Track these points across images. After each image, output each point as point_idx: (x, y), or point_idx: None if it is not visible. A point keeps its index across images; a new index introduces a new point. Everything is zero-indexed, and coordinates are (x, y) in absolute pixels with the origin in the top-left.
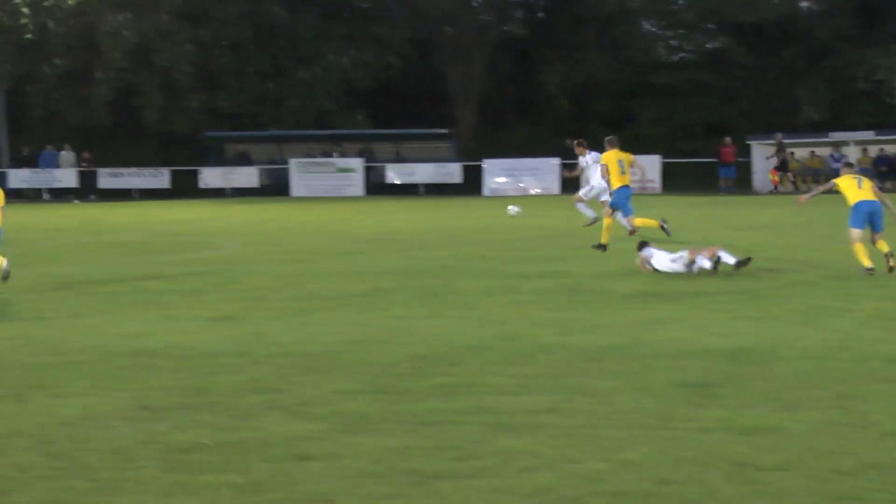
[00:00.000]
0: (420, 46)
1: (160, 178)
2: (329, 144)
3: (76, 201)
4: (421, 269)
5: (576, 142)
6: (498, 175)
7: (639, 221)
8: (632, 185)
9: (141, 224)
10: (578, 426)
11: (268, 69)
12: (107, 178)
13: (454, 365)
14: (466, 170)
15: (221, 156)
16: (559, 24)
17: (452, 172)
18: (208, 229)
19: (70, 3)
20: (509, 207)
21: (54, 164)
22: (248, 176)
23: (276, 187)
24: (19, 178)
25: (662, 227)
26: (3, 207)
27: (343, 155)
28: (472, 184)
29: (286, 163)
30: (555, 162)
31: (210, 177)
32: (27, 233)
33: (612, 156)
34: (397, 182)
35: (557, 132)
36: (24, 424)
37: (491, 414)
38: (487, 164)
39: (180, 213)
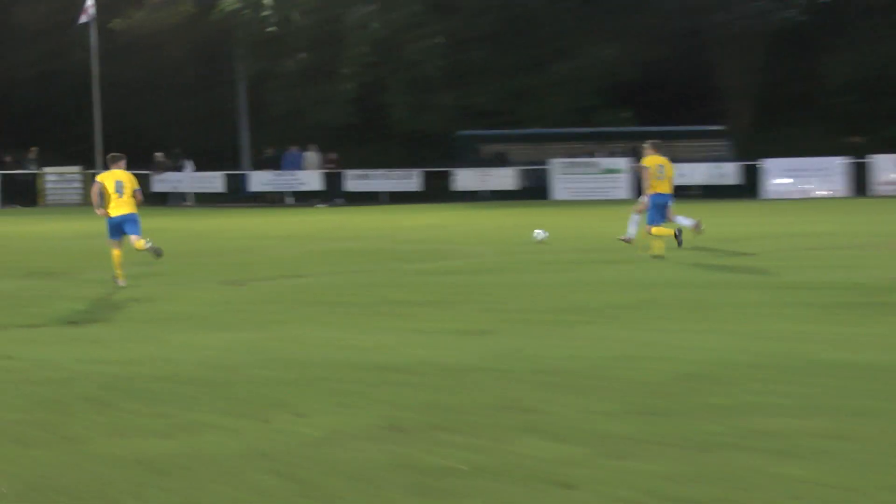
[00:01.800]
0: (689, 36)
1: (410, 180)
2: (592, 143)
3: (321, 205)
4: (693, 279)
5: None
6: (779, 176)
7: (656, 230)
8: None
9: (389, 230)
10: (868, 453)
11: (525, 63)
12: (354, 181)
13: (728, 384)
14: (743, 170)
15: (476, 156)
16: (847, 10)
17: (728, 173)
18: (461, 235)
19: None
20: (535, 232)
21: (298, 165)
22: (504, 178)
23: (534, 190)
24: (261, 180)
25: (676, 237)
26: (137, 190)
27: (608, 155)
28: (749, 185)
29: (546, 163)
30: (840, 162)
31: (464, 179)
32: (267, 239)
33: (654, 160)
34: None
35: (843, 129)
36: (264, 445)
37: (769, 438)
38: (768, 164)
39: (431, 217)
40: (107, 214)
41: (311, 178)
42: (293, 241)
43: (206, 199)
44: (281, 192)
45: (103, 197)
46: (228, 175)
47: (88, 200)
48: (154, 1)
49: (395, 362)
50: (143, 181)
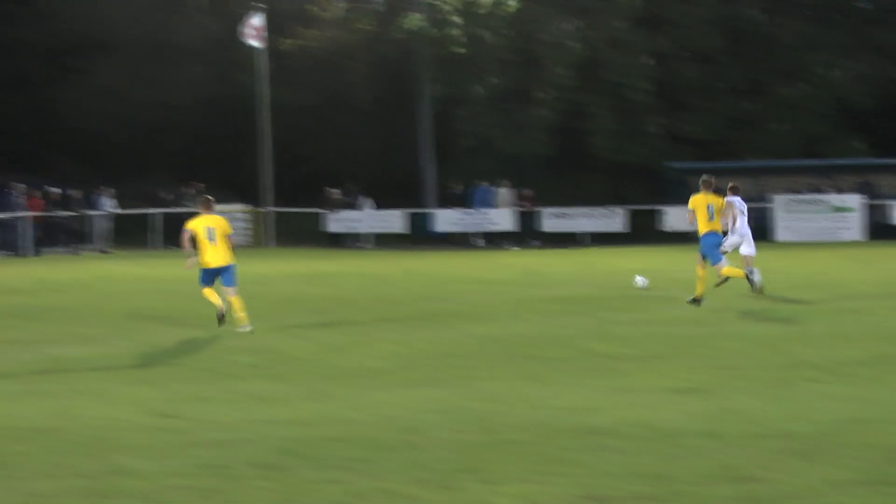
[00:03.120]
0: None
1: (613, 219)
2: (819, 177)
3: (514, 248)
4: None
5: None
6: None
7: (726, 270)
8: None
9: (590, 275)
10: None
11: (743, 85)
12: (550, 220)
13: None
14: None
15: (687, 191)
16: None
17: None
18: (672, 281)
19: (510, 9)
20: (636, 278)
21: (489, 203)
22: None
23: (754, 230)
24: (447, 219)
25: (748, 278)
26: (230, 235)
27: (837, 190)
28: None
29: (766, 199)
30: None
31: (674, 217)
32: (456, 284)
33: (701, 200)
34: None
35: None
36: None
37: None
38: None
39: (637, 261)
40: (200, 263)
41: (503, 218)
42: (483, 288)
43: (385, 241)
44: (469, 233)
45: (195, 244)
46: (410, 213)
47: (257, 242)
48: (328, 18)
49: (598, 424)
50: (315, 220)
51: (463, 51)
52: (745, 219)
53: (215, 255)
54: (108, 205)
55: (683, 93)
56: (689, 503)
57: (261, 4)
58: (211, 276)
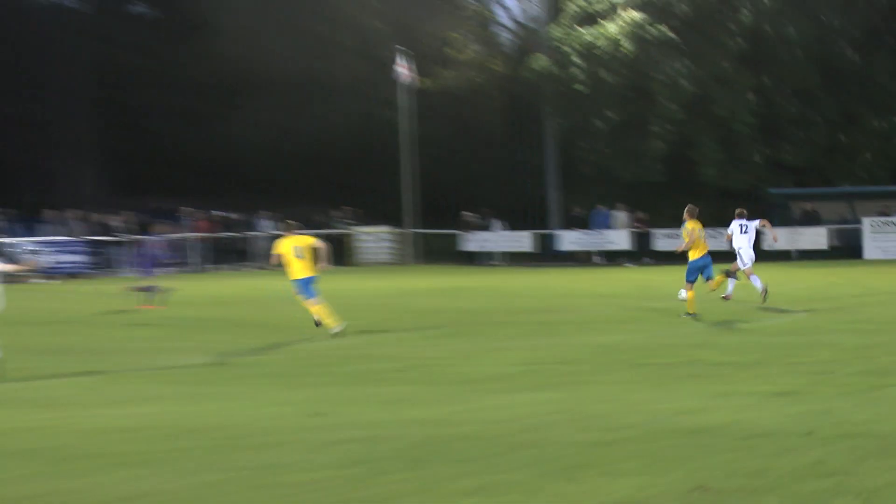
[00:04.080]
0: None
1: (719, 239)
2: None
3: (629, 265)
4: None
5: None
6: None
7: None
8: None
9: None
10: None
11: (837, 118)
12: (662, 240)
13: None
14: None
15: (787, 214)
16: None
17: None
18: (773, 295)
19: (625, 51)
20: (680, 292)
21: (607, 224)
22: (815, 236)
23: (846, 249)
24: (570, 239)
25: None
26: (320, 248)
27: None
28: None
29: (858, 222)
30: None
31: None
32: (577, 298)
33: (696, 224)
34: None
35: None
36: None
37: None
38: None
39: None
40: (291, 277)
41: (619, 238)
42: (601, 301)
43: (515, 259)
44: (589, 252)
45: (284, 262)
46: (537, 234)
47: (400, 260)
48: (464, 60)
49: (703, 424)
50: (452, 241)
51: (584, 88)
52: (746, 237)
53: (303, 269)
54: (267, 226)
55: (783, 125)
56: (786, 496)
57: (405, 48)
58: (303, 287)
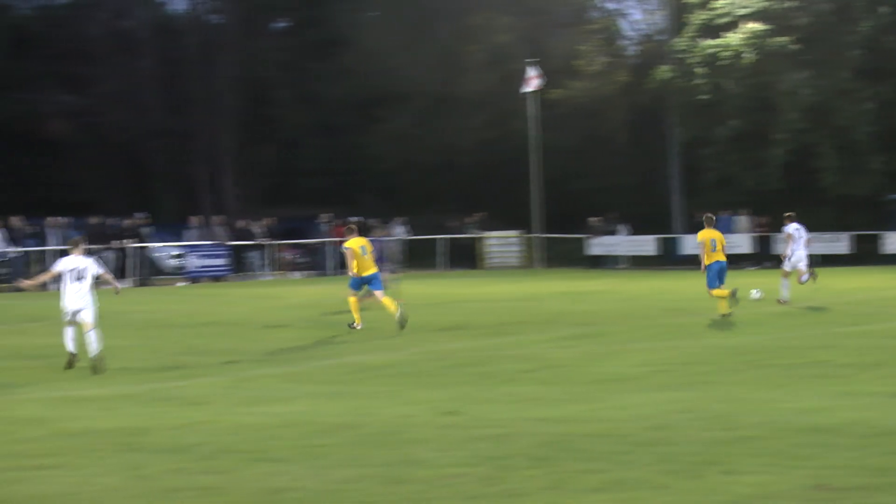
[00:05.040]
0: None
1: (839, 243)
2: None
3: (751, 268)
4: None
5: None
6: None
7: (716, 292)
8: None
9: (818, 292)
10: None
11: None
12: (783, 244)
13: None
14: None
15: None
16: None
17: None
18: (889, 298)
19: (747, 61)
20: (752, 292)
21: (729, 229)
22: None
23: None
24: (693, 243)
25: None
26: (369, 251)
27: None
28: None
29: None
30: None
31: (893, 242)
32: (700, 301)
33: (706, 234)
34: None
35: None
36: (696, 502)
37: None
38: None
39: (859, 280)
40: (357, 274)
41: (741, 241)
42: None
43: (639, 262)
44: None
45: (353, 260)
46: (660, 238)
47: (528, 263)
48: (590, 71)
49: (825, 423)
50: (577, 245)
51: (707, 97)
52: (802, 242)
53: (367, 266)
54: (401, 231)
55: None
56: None
57: (534, 60)
58: (360, 283)
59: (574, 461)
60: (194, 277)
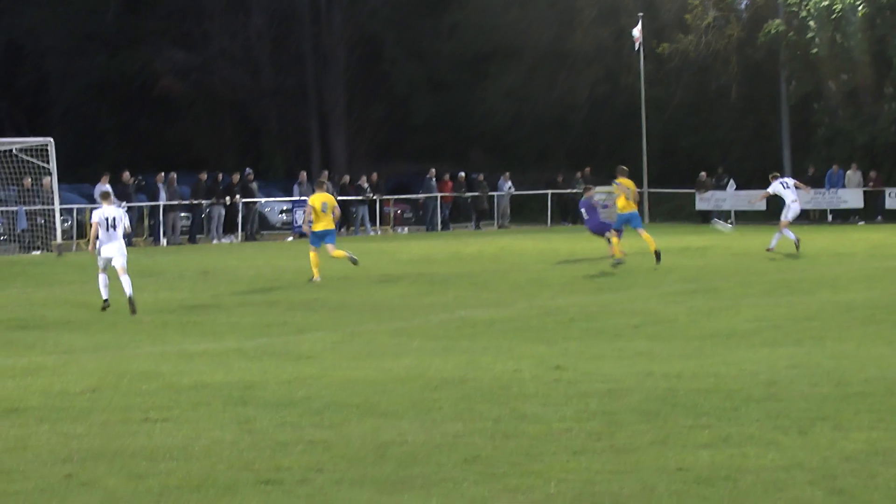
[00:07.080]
0: None
1: None
2: None
3: (861, 223)
4: None
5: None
6: None
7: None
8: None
9: None
10: None
11: None
12: (893, 200)
13: None
14: None
15: None
16: None
17: None
18: None
19: (861, 15)
20: (716, 222)
21: (839, 184)
22: None
23: None
24: (804, 199)
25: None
26: (336, 207)
27: None
28: None
29: None
30: None
31: None
32: (810, 257)
33: (625, 183)
34: None
35: None
36: (805, 457)
37: None
38: None
39: None
40: (311, 230)
41: (852, 196)
42: (835, 259)
43: (747, 217)
44: (823, 210)
45: (312, 215)
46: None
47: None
48: (701, 26)
49: None
50: (687, 200)
51: (820, 52)
52: (790, 191)
53: (326, 222)
54: (507, 187)
55: None
56: None
57: (644, 15)
58: (319, 238)
59: (683, 417)
60: (302, 233)
